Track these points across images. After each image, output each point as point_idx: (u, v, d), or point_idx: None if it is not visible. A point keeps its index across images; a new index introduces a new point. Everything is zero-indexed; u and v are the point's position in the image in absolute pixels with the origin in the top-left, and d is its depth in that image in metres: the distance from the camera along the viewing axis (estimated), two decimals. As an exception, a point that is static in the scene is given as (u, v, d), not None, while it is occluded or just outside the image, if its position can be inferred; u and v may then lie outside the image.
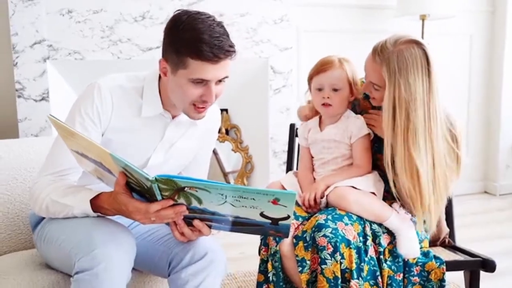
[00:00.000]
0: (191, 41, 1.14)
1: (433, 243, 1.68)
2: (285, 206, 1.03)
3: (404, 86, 1.29)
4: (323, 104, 1.45)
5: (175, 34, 1.18)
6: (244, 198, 1.02)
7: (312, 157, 1.53)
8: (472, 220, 3.06)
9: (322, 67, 1.45)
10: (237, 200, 1.03)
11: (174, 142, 1.37)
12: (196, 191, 1.02)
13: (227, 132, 2.95)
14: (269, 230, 1.14)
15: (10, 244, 1.54)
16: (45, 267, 1.35)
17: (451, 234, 1.72)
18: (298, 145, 1.66)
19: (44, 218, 1.31)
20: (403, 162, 1.31)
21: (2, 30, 2.44)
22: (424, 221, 1.38)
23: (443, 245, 1.69)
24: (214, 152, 3.01)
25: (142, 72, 1.36)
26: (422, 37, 2.98)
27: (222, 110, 2.91)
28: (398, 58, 1.30)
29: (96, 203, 1.18)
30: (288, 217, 1.06)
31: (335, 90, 1.44)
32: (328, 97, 1.43)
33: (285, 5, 2.70)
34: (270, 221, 1.08)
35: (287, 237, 1.17)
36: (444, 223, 1.71)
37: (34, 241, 1.36)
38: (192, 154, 1.46)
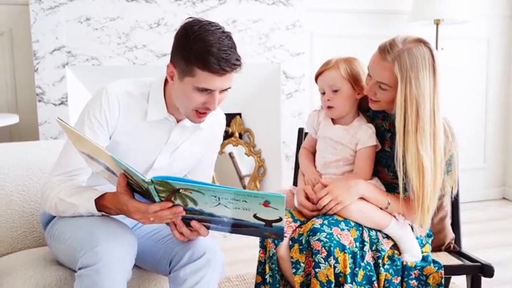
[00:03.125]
0: (200, 52, 1.19)
1: (437, 248, 1.68)
2: (276, 209, 1.07)
3: (415, 83, 1.31)
4: (328, 107, 1.46)
5: (185, 42, 1.23)
6: (237, 200, 1.06)
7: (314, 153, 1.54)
8: (489, 226, 3.02)
9: (320, 70, 1.47)
10: (230, 202, 1.07)
11: (179, 145, 1.42)
12: (191, 193, 1.07)
13: (240, 136, 3.00)
14: (264, 232, 1.17)
15: (25, 241, 1.61)
16: (55, 263, 1.41)
17: (457, 240, 1.72)
18: (299, 133, 1.66)
19: (54, 217, 1.38)
20: (413, 159, 1.33)
21: (24, 37, 2.56)
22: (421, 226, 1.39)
23: (448, 250, 1.69)
24: (231, 156, 3.07)
25: (149, 78, 1.42)
26: (436, 42, 2.97)
27: (235, 114, 2.96)
28: (409, 55, 1.31)
29: (100, 202, 1.24)
30: (281, 219, 1.10)
31: (335, 91, 1.44)
32: (328, 99, 1.44)
33: (297, 11, 2.73)
34: (264, 223, 1.12)
35: (282, 238, 1.21)
36: (449, 228, 1.71)
37: (45, 239, 1.43)
38: (197, 157, 1.50)
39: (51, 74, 2.45)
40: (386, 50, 1.34)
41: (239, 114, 2.98)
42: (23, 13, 2.53)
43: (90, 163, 1.27)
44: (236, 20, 2.65)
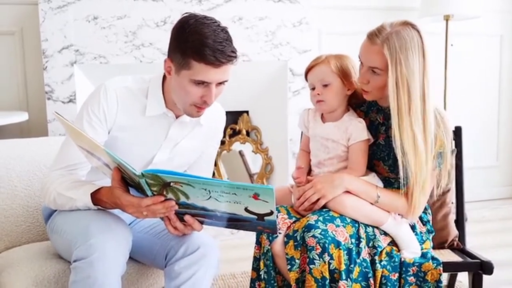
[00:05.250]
0: (196, 45, 1.21)
1: (441, 245, 1.66)
2: (266, 202, 1.06)
3: (405, 63, 1.32)
4: (317, 101, 1.46)
5: (181, 36, 1.24)
6: (227, 193, 1.06)
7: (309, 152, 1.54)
8: (501, 225, 2.97)
9: (310, 65, 1.48)
10: (221, 195, 1.07)
11: (178, 141, 1.43)
12: (181, 186, 1.07)
13: (247, 133, 3.00)
14: (257, 226, 1.17)
15: (29, 235, 1.64)
16: (56, 256, 1.43)
17: (461, 237, 1.70)
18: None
19: (55, 211, 1.41)
20: (409, 140, 1.34)
21: (34, 36, 2.60)
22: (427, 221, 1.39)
23: (451, 247, 1.67)
24: (241, 154, 3.07)
25: (148, 75, 1.43)
26: (446, 38, 2.94)
27: (242, 112, 2.97)
28: (397, 37, 1.33)
29: (96, 196, 1.26)
30: (272, 212, 1.10)
31: (325, 85, 1.44)
32: (318, 94, 1.44)
33: (304, 8, 2.73)
34: (256, 216, 1.12)
35: (276, 233, 1.21)
36: (452, 225, 1.69)
37: (47, 233, 1.45)
38: (197, 153, 1.51)
39: (60, 72, 2.49)
40: (374, 34, 1.36)
41: (247, 112, 2.98)
42: (32, 12, 2.57)
43: (90, 158, 1.29)
44: (243, 18, 2.65)
